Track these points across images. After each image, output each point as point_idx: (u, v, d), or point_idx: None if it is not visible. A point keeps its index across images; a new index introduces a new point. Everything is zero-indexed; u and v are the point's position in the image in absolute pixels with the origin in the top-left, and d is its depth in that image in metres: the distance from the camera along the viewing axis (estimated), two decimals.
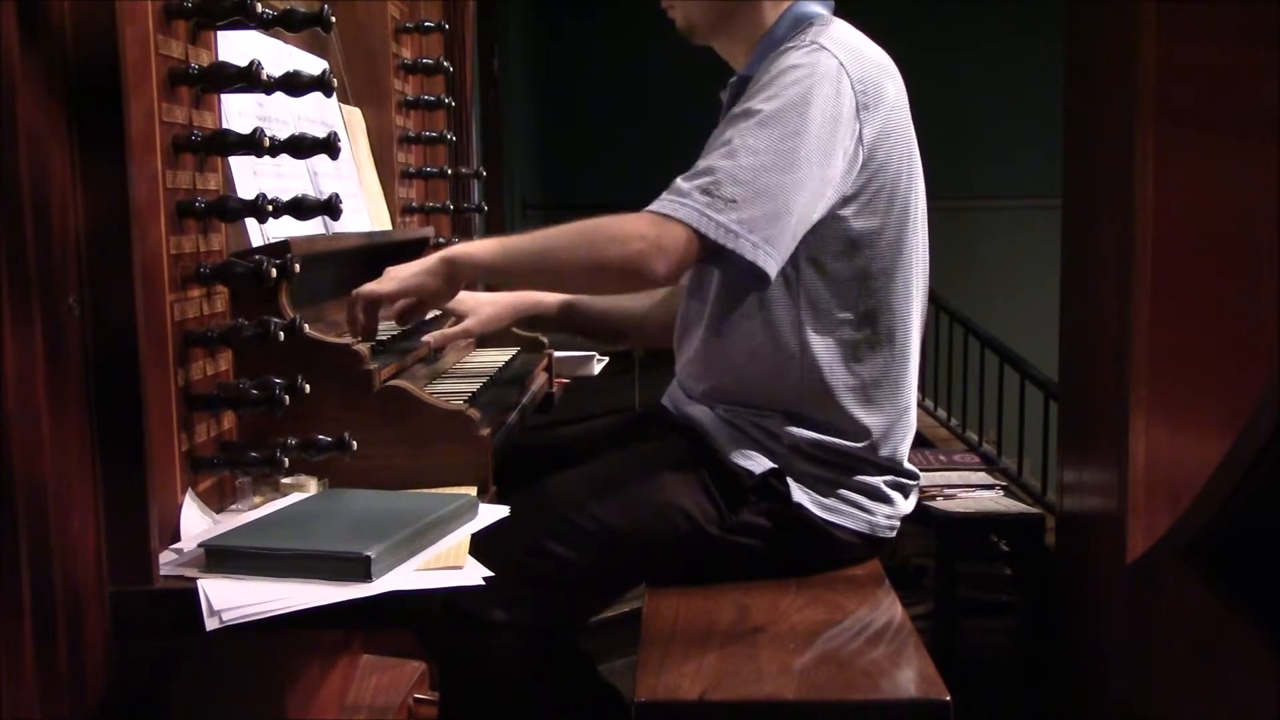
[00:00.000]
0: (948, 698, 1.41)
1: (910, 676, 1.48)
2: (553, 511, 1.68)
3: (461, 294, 1.84)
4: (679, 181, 1.63)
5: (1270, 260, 2.40)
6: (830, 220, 1.68)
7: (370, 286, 1.66)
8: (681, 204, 1.59)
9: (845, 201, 1.68)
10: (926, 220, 1.80)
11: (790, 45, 1.68)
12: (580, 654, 1.77)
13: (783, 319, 1.71)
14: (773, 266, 1.60)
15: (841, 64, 1.64)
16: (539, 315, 2.10)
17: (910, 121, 1.74)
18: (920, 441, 2.91)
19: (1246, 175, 2.47)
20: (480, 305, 1.97)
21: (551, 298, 2.08)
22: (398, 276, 1.68)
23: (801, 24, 1.73)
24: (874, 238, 1.70)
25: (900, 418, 1.78)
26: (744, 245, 1.58)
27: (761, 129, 1.60)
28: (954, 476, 3.77)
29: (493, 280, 1.79)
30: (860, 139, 1.65)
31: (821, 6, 1.77)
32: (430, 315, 1.92)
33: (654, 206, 1.62)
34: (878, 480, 1.76)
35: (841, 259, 1.70)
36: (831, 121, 1.62)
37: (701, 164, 1.62)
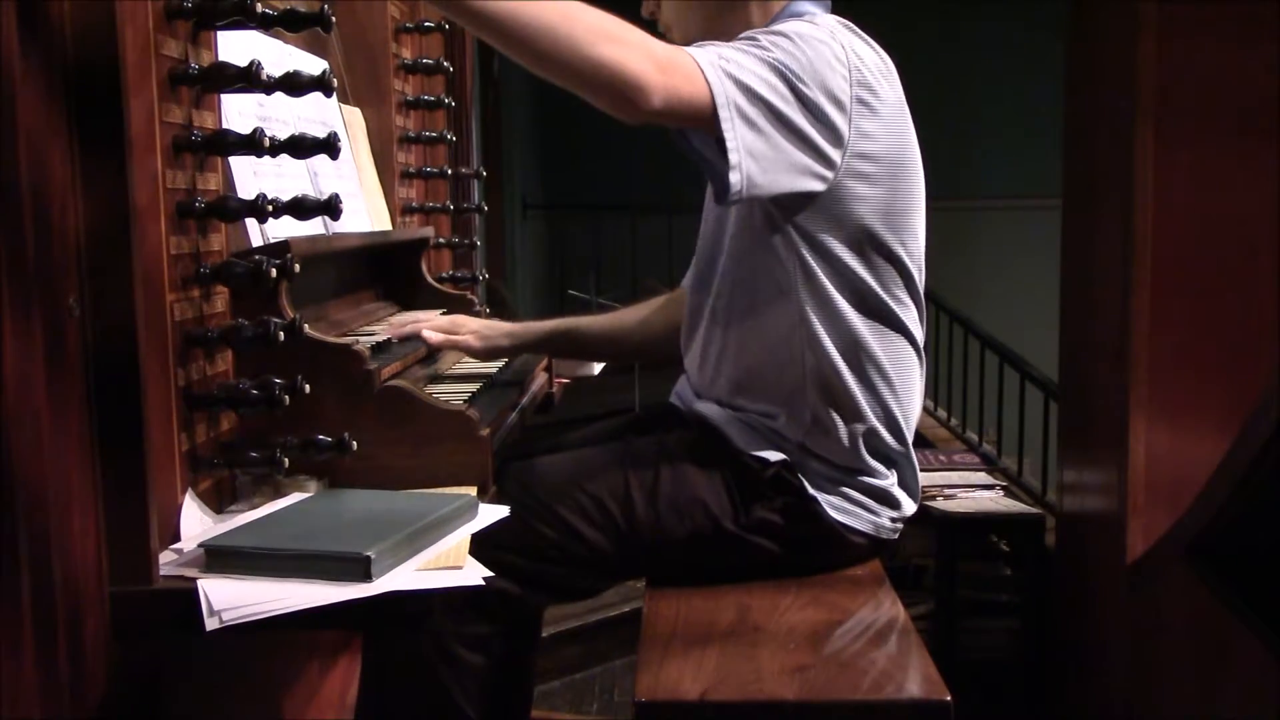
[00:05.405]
0: (948, 698, 1.41)
1: (911, 677, 1.47)
2: (573, 484, 1.68)
3: (465, 318, 1.96)
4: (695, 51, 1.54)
5: (1270, 261, 2.40)
6: (836, 213, 1.66)
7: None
8: (709, 66, 1.52)
9: (852, 197, 1.65)
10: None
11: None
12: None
13: (790, 313, 1.70)
14: (737, 183, 1.54)
15: (843, 46, 1.61)
16: (535, 347, 2.10)
17: (910, 121, 1.72)
18: (920, 441, 2.91)
19: (1246, 175, 2.48)
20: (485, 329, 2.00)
21: (543, 330, 2.06)
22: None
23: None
24: (881, 234, 1.69)
25: (907, 411, 1.78)
26: (734, 131, 1.51)
27: (772, 82, 1.55)
28: (954, 476, 3.77)
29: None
30: (852, 118, 1.61)
31: (816, 5, 1.74)
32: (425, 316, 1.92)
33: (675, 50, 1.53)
34: (884, 483, 1.76)
35: (848, 254, 1.69)
36: (828, 97, 1.58)
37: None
